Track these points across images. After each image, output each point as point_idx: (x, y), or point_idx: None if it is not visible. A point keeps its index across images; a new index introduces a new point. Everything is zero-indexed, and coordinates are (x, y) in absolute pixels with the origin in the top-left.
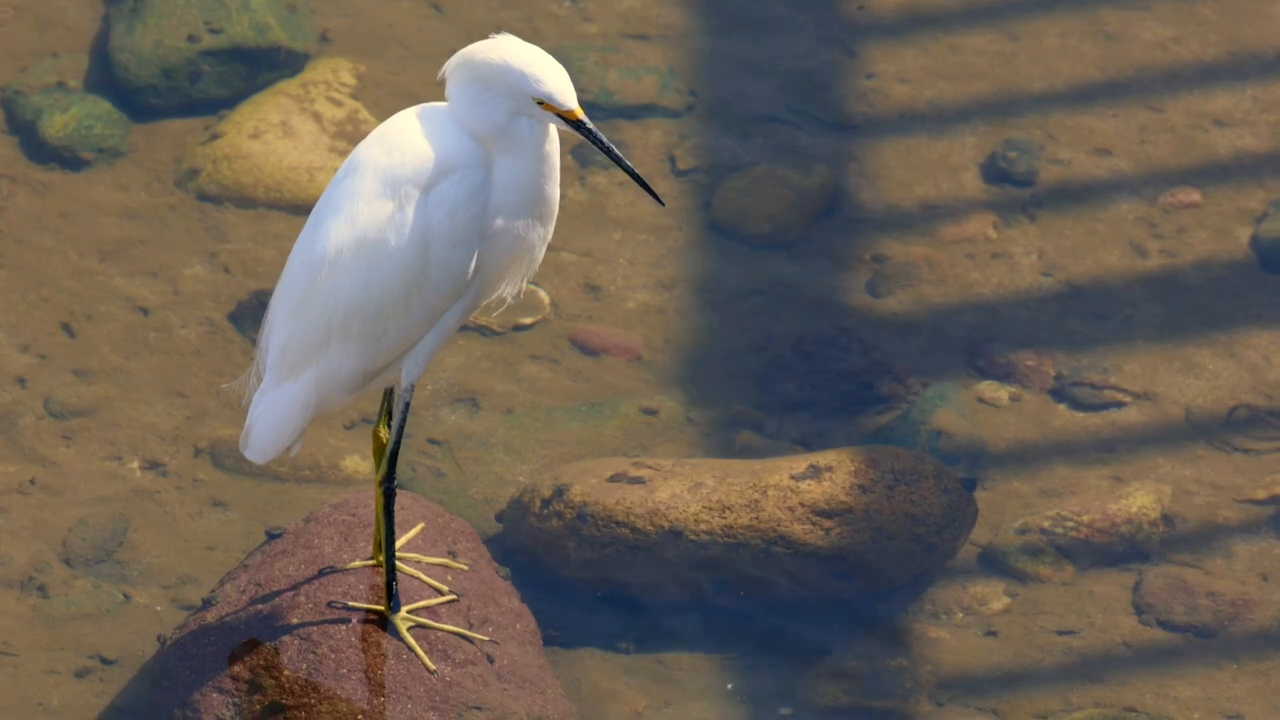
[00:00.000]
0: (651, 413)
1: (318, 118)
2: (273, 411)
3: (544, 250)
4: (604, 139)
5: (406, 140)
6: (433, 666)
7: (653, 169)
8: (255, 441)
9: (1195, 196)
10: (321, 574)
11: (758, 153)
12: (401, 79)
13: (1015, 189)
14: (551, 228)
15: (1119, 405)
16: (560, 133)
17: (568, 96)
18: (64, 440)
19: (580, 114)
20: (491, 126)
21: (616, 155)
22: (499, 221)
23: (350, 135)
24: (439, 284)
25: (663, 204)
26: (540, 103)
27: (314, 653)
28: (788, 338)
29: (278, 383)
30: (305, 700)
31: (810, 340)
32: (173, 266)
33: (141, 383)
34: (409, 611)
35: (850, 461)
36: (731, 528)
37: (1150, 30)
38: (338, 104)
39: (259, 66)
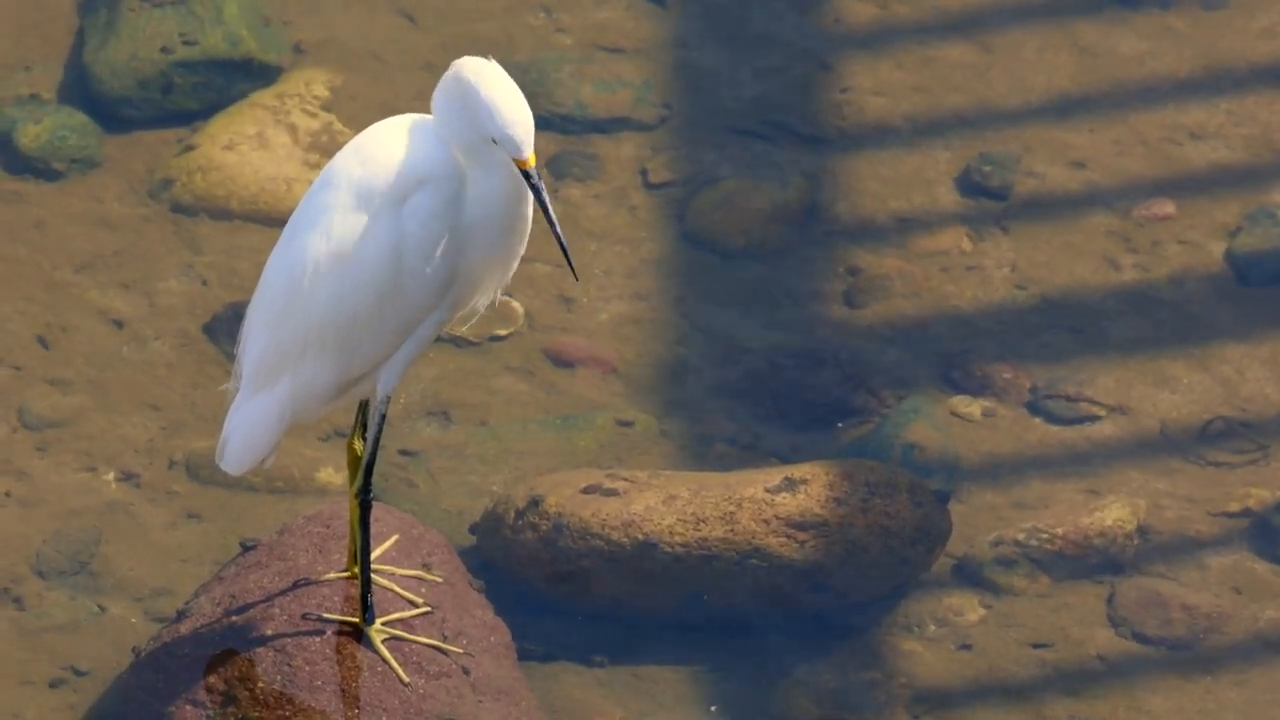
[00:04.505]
0: (626, 425)
1: (292, 130)
2: (248, 423)
3: (517, 263)
4: (546, 199)
5: (381, 151)
6: (407, 679)
7: (626, 182)
8: (231, 453)
9: (1170, 209)
10: (296, 586)
11: (732, 166)
12: (376, 91)
13: (990, 202)
14: (525, 241)
15: (1093, 419)
16: (535, 147)
17: (523, 146)
18: (38, 452)
19: (531, 165)
20: (465, 142)
21: (550, 218)
22: (472, 233)
23: (325, 147)
24: (413, 295)
25: (576, 279)
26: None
27: (288, 665)
28: (762, 350)
29: (253, 394)
30: (280, 713)
31: (785, 353)
32: (147, 278)
33: (116, 395)
34: (383, 624)
35: (825, 474)
36: (706, 540)
37: (1126, 44)
38: (312, 116)
39: (233, 78)
